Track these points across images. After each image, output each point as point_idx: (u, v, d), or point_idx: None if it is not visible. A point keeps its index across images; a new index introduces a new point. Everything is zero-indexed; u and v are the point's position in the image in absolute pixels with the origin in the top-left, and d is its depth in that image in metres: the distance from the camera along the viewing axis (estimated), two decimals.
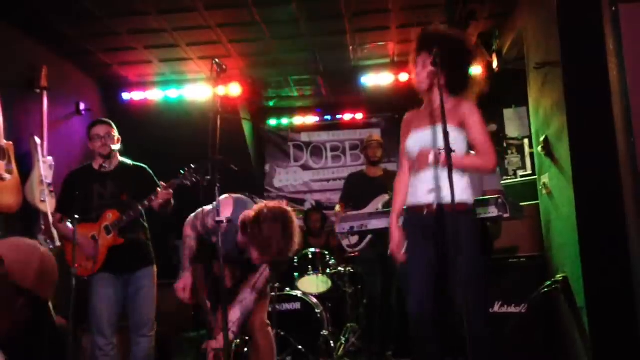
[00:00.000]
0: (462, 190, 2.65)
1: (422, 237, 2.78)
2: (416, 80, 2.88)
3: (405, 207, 2.91)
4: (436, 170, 2.71)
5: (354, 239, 5.00)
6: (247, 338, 3.46)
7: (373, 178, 5.14)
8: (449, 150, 2.51)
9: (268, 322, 3.46)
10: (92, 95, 6.33)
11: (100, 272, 3.68)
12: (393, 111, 7.48)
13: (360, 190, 5.10)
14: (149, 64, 6.16)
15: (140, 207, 3.66)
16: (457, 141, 2.70)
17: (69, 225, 3.67)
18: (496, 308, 4.17)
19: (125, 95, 6.59)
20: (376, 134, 6.87)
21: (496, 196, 3.61)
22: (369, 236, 4.90)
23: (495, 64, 5.63)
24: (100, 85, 6.49)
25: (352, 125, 7.93)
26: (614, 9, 2.91)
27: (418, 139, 2.83)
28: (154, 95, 6.61)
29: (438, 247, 2.72)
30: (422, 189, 2.78)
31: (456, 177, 2.60)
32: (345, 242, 5.01)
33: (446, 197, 2.61)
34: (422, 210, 2.76)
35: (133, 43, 5.62)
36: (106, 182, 3.78)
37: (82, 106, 5.92)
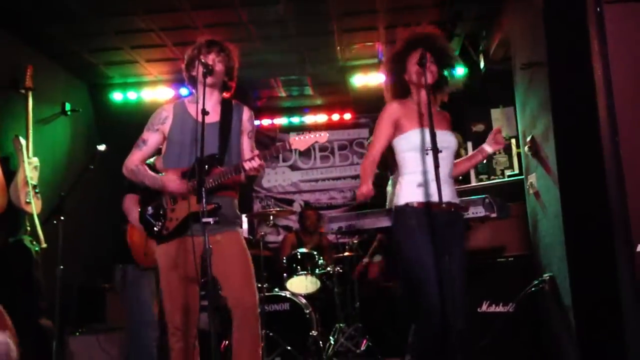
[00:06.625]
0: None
1: (432, 237, 2.71)
2: (408, 76, 3.02)
3: (408, 203, 2.81)
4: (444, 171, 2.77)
5: None
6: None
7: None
8: (436, 150, 2.65)
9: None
10: (79, 95, 6.29)
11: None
12: (381, 111, 7.46)
13: None
14: (135, 64, 6.12)
15: None
16: (452, 144, 2.93)
17: None
18: (484, 307, 4.18)
19: (113, 96, 6.55)
20: None
21: (483, 196, 3.63)
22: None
23: (482, 65, 5.65)
24: (88, 86, 6.45)
25: (341, 126, 7.93)
26: (598, 9, 2.92)
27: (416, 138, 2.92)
28: (141, 95, 6.56)
29: (440, 245, 2.68)
30: (438, 187, 2.61)
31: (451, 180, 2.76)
32: None
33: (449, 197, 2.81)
34: (439, 207, 2.67)
35: (119, 43, 5.58)
36: None
37: (68, 106, 5.88)
